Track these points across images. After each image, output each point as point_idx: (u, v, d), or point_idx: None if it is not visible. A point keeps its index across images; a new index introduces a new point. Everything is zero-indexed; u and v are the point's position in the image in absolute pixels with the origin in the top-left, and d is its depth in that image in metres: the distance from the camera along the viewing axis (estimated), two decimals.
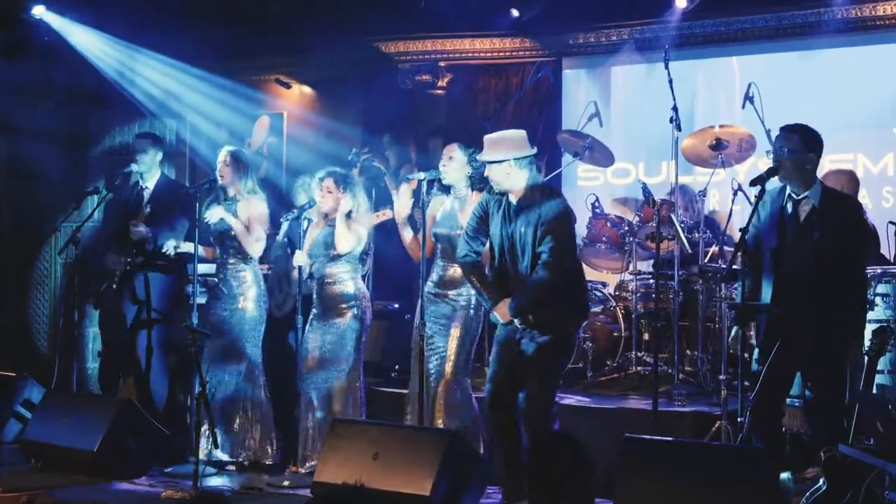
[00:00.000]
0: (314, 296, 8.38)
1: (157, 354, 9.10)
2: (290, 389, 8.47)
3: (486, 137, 7.27)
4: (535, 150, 7.27)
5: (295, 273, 8.47)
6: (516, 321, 7.07)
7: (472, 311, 7.94)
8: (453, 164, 7.91)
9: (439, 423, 7.76)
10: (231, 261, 8.62)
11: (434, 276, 8.05)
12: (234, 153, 8.72)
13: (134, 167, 9.30)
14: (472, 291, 7.74)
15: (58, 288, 11.09)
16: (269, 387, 8.69)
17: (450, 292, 7.95)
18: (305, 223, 8.51)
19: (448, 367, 7.86)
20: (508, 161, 7.06)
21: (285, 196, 10.31)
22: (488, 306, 7.28)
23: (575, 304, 7.29)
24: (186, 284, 9.01)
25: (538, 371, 7.08)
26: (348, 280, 8.33)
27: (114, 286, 9.19)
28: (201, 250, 8.57)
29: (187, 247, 8.79)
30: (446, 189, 8.07)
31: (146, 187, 9.35)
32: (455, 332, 7.91)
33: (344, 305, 8.30)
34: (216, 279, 8.69)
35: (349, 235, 8.22)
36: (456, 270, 7.83)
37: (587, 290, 7.92)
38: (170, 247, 8.84)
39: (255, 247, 8.58)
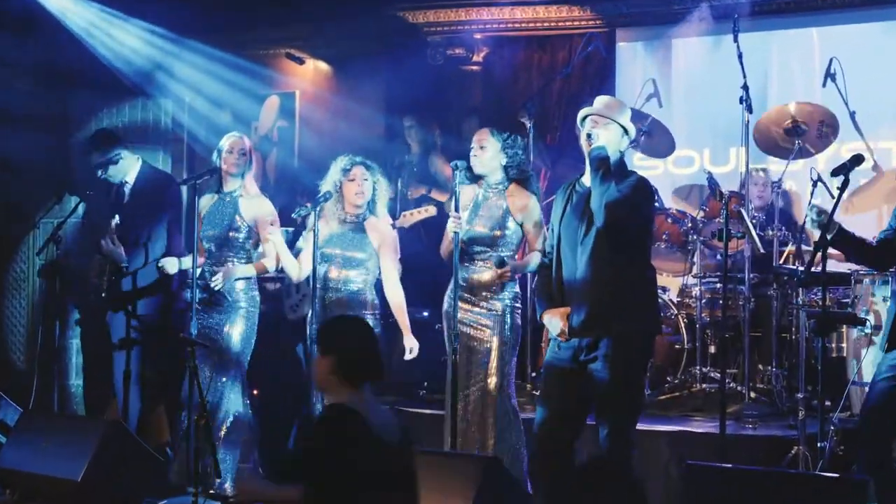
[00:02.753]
0: (320, 304, 8.31)
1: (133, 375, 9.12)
2: (296, 407, 8.51)
3: (600, 97, 7.12)
4: (633, 136, 7.14)
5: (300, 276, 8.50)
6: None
7: (508, 318, 7.83)
8: (485, 153, 7.87)
9: (490, 446, 7.70)
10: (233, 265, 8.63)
11: (460, 279, 7.88)
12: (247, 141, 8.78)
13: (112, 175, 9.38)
14: (508, 295, 7.77)
15: (36, 293, 11.12)
16: (272, 405, 8.69)
17: (479, 296, 7.85)
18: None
19: (491, 383, 7.78)
20: (620, 128, 6.92)
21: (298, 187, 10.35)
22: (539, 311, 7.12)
23: (651, 301, 7.07)
24: (184, 288, 9.01)
25: (622, 399, 6.78)
26: (364, 287, 8.37)
27: (103, 294, 9.20)
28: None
29: (187, 262, 8.66)
30: (474, 177, 8.01)
31: (126, 182, 9.41)
32: (495, 343, 7.80)
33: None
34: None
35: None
36: (484, 273, 7.81)
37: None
38: (170, 267, 8.87)
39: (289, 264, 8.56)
